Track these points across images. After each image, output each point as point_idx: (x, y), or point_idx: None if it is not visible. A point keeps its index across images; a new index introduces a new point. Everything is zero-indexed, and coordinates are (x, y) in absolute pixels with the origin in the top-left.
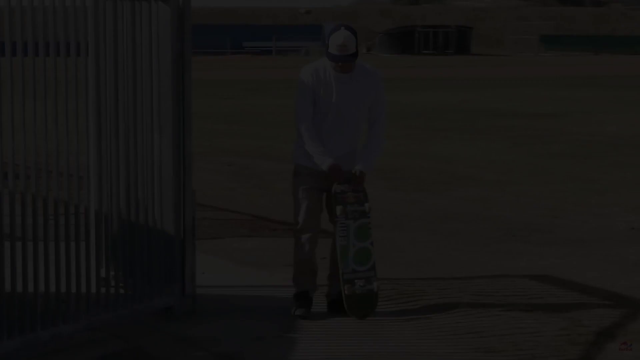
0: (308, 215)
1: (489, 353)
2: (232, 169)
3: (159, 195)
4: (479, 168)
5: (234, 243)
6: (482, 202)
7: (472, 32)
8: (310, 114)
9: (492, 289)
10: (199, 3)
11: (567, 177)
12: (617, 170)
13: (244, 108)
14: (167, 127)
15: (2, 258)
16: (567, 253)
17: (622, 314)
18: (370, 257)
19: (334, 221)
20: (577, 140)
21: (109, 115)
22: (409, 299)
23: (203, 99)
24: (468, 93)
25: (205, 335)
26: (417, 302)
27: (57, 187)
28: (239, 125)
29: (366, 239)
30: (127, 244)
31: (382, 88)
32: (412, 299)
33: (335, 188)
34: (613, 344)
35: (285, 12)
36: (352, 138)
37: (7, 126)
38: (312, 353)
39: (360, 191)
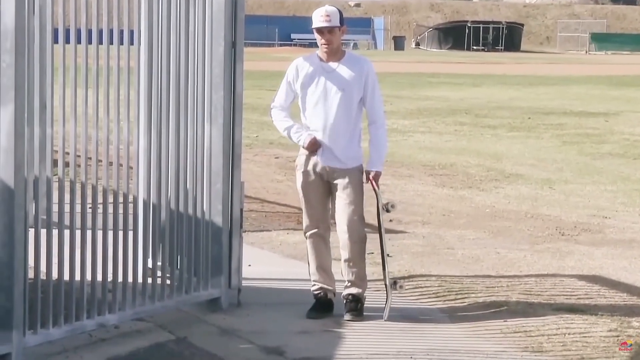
0: (309, 215)
1: (537, 352)
2: (279, 162)
3: (208, 186)
4: (528, 166)
5: (280, 236)
6: (531, 201)
7: (522, 29)
8: (283, 102)
9: (540, 288)
10: None
11: (617, 177)
12: None
13: None
14: (218, 118)
15: (50, 246)
16: (616, 254)
17: None
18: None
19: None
20: (627, 140)
21: (159, 104)
22: (456, 296)
23: (250, 91)
24: (518, 90)
25: (250, 328)
26: (465, 299)
27: (106, 175)
28: None
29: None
30: (174, 235)
31: (372, 77)
32: (459, 296)
33: (382, 200)
34: None
35: (334, 4)
36: (344, 130)
37: (59, 114)
38: (356, 349)
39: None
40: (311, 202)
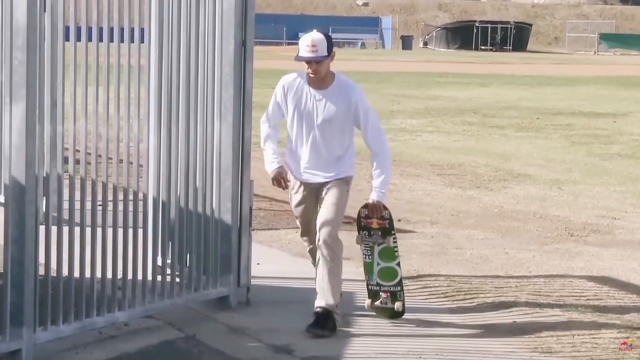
0: (306, 232)
1: (547, 353)
2: None
3: (217, 184)
4: (537, 166)
5: (289, 234)
6: (540, 201)
7: (531, 29)
8: (271, 119)
9: (549, 289)
10: None
11: (626, 177)
12: None
13: None
14: (227, 116)
15: (60, 242)
16: (626, 255)
17: None
18: (396, 276)
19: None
20: (636, 140)
21: (169, 102)
22: (465, 296)
23: (259, 89)
24: (526, 90)
25: (258, 326)
26: (474, 299)
27: (116, 173)
28: None
29: (392, 260)
30: (183, 233)
31: (363, 106)
32: (468, 296)
33: (361, 212)
34: None
35: (342, 3)
36: (333, 156)
37: (69, 111)
38: (365, 348)
39: (386, 219)
40: (305, 218)
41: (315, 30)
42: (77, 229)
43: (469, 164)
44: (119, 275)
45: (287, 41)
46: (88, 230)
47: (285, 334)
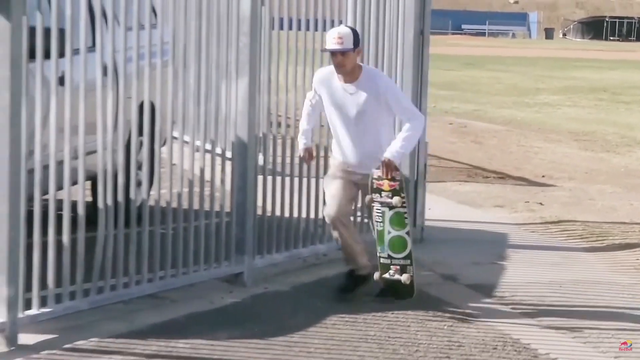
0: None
1: None
2: (452, 127)
3: None
4: None
5: (454, 186)
6: None
7: None
8: (313, 99)
9: None
10: None
11: None
12: None
13: (461, 78)
14: (407, 91)
15: (274, 189)
16: None
17: None
18: (406, 246)
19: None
20: None
21: None
22: (597, 238)
23: (431, 70)
24: None
25: (431, 259)
26: (604, 240)
27: (318, 135)
28: (457, 92)
29: (402, 228)
30: None
31: (391, 91)
32: (599, 238)
33: (372, 173)
34: None
35: (497, 1)
36: (373, 147)
37: (282, 86)
38: (516, 277)
39: (397, 180)
40: (334, 193)
41: (342, 25)
42: (287, 179)
43: (600, 132)
44: (320, 215)
45: (451, 31)
46: (296, 180)
47: (453, 266)
